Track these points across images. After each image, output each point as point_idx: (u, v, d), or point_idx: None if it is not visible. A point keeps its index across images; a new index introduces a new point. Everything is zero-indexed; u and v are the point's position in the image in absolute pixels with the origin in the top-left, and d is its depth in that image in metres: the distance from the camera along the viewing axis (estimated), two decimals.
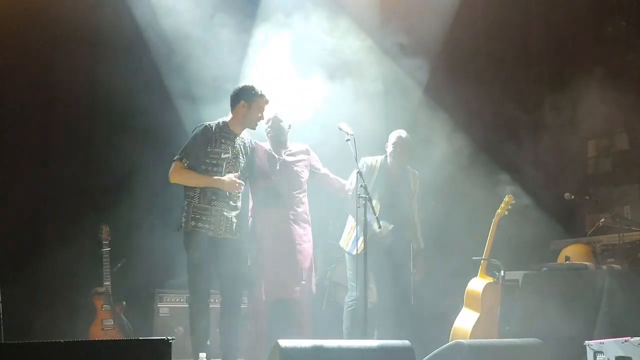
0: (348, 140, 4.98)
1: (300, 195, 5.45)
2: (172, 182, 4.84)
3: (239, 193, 4.92)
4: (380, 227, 4.80)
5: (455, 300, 5.65)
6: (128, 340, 4.45)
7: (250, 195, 5.32)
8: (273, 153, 5.37)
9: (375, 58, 6.23)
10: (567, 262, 5.55)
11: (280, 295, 5.31)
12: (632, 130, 7.35)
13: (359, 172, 4.86)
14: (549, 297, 5.04)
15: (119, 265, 5.93)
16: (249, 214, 5.35)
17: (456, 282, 5.80)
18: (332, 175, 5.64)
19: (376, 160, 5.63)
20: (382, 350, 3.94)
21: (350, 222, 5.56)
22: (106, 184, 6.14)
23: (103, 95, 6.19)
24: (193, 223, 4.75)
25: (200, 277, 4.79)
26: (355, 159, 4.95)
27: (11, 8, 5.82)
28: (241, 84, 5.02)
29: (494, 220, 5.53)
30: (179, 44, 5.87)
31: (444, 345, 4.36)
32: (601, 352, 3.98)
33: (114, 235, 5.87)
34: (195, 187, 4.79)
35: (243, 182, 4.83)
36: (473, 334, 5.23)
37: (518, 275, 5.56)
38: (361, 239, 4.90)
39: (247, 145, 5.11)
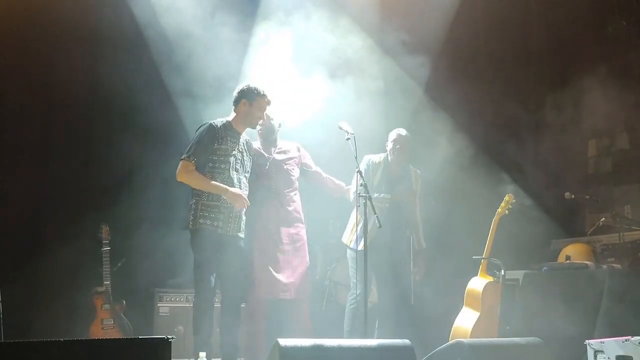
0: (348, 139, 4.99)
1: (292, 194, 5.46)
2: (178, 180, 4.82)
3: (247, 191, 4.95)
4: (380, 225, 4.80)
5: (456, 300, 5.65)
6: (128, 339, 4.44)
7: None
8: (262, 152, 5.37)
9: (376, 57, 6.24)
10: (568, 261, 5.55)
11: (275, 294, 5.30)
12: (633, 129, 7.35)
13: (359, 172, 4.88)
14: (549, 297, 5.03)
15: (119, 264, 5.94)
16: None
17: (456, 282, 5.80)
18: (324, 175, 5.66)
19: (380, 157, 5.66)
20: (382, 350, 3.94)
21: (353, 218, 5.55)
22: (106, 183, 6.15)
23: (103, 95, 6.20)
24: (202, 220, 4.75)
25: (208, 276, 4.79)
26: (356, 158, 4.96)
27: (11, 8, 5.82)
28: (244, 84, 5.03)
29: (494, 219, 5.53)
30: (179, 43, 5.88)
31: (444, 345, 4.36)
32: (601, 352, 3.98)
33: (114, 234, 5.87)
34: None
35: (249, 202, 4.82)
36: (473, 333, 5.22)
37: (518, 274, 5.57)
38: (364, 233, 4.91)
39: (249, 144, 5.13)
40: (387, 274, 5.59)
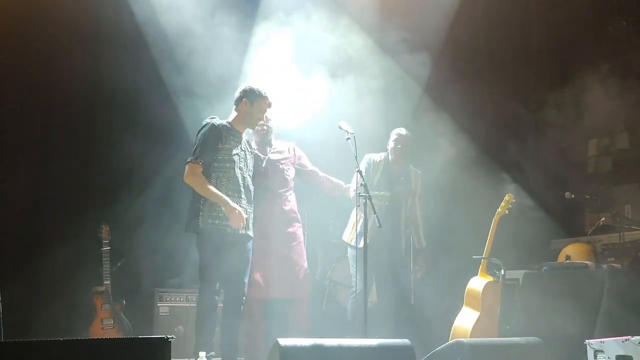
0: (348, 139, 5.00)
1: (287, 194, 5.47)
2: (186, 182, 4.80)
3: (252, 188, 4.98)
4: (380, 225, 4.80)
5: (456, 299, 5.65)
6: (128, 338, 4.44)
7: None
8: (258, 152, 5.38)
9: (376, 57, 6.24)
10: (568, 261, 5.55)
11: (273, 294, 5.31)
12: (633, 129, 7.35)
13: (359, 171, 4.89)
14: (549, 296, 5.03)
15: (119, 264, 5.94)
16: None
17: (456, 281, 5.80)
18: (321, 174, 5.68)
19: (380, 156, 5.69)
20: (382, 349, 3.93)
21: (354, 216, 5.55)
22: (106, 183, 6.15)
23: (103, 95, 6.20)
24: (210, 221, 4.74)
25: (213, 277, 4.80)
26: (356, 157, 4.96)
27: (11, 7, 5.82)
28: (247, 84, 5.04)
29: (494, 219, 5.53)
30: (179, 42, 5.88)
31: (444, 344, 4.36)
32: (601, 351, 3.97)
33: (114, 234, 5.87)
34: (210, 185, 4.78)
35: (245, 223, 4.79)
36: (473, 333, 5.22)
37: (518, 274, 5.57)
38: (364, 231, 4.92)
39: (250, 143, 5.15)
40: (387, 273, 5.60)
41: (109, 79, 6.01)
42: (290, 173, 5.51)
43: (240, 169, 4.91)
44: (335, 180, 5.71)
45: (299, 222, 5.54)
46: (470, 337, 5.15)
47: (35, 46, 6.00)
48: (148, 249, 5.93)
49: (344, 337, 4.31)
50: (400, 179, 5.69)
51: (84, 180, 6.15)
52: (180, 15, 5.81)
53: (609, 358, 3.92)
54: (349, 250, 5.62)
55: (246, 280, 4.93)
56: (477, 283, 5.43)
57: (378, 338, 4.11)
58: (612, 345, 3.93)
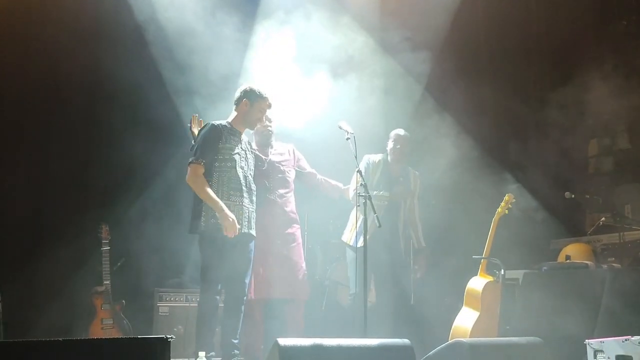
0: (348, 139, 5.00)
1: (288, 195, 5.49)
2: (188, 182, 4.80)
3: (254, 189, 4.98)
4: (380, 225, 4.80)
5: (455, 299, 5.65)
6: (127, 338, 4.43)
7: None
8: (259, 153, 5.39)
9: (376, 56, 6.24)
10: (568, 261, 5.55)
11: (272, 295, 5.32)
12: (633, 129, 7.35)
13: (359, 171, 4.89)
14: (549, 296, 5.03)
15: (119, 264, 5.93)
16: None
17: (456, 281, 5.80)
18: (319, 176, 5.70)
19: (379, 157, 5.70)
20: (382, 349, 3.93)
21: (353, 216, 5.57)
22: (106, 182, 6.14)
23: (103, 94, 6.20)
24: (213, 220, 4.73)
25: (216, 277, 4.80)
26: (355, 157, 4.96)
27: (11, 6, 5.82)
28: (247, 84, 5.05)
29: (494, 219, 5.53)
30: (179, 41, 5.87)
31: (444, 344, 4.35)
32: (601, 351, 3.97)
33: (114, 234, 5.87)
34: (211, 186, 4.77)
35: (237, 233, 4.74)
36: (473, 333, 5.22)
37: (518, 274, 5.58)
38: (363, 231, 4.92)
39: (250, 144, 5.16)
40: (387, 273, 5.61)
41: (110, 79, 6.00)
42: (291, 175, 5.53)
43: (242, 168, 4.92)
44: (333, 182, 5.73)
45: (298, 223, 5.56)
46: (470, 337, 5.14)
47: (35, 46, 6.00)
48: (148, 249, 5.92)
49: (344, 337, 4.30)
50: (399, 179, 5.70)
51: (84, 180, 6.14)
52: (181, 14, 5.81)
53: (609, 358, 3.92)
54: (348, 251, 5.63)
55: (247, 281, 4.93)
56: (477, 283, 5.43)
57: (378, 338, 4.10)
58: (612, 345, 3.93)
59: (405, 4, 6.55)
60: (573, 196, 6.02)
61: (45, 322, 5.56)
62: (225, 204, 4.77)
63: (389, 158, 5.70)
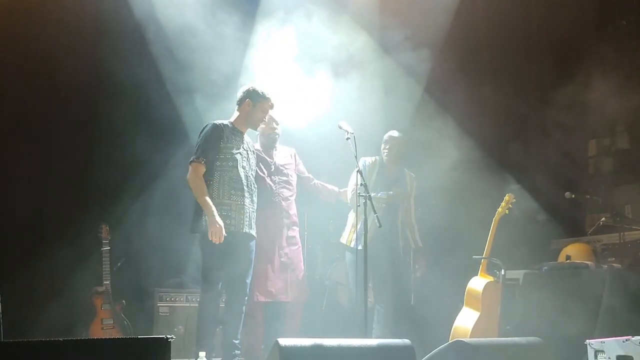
0: (348, 138, 5.00)
1: (292, 198, 5.53)
2: (187, 180, 4.81)
3: (255, 188, 4.99)
4: (380, 225, 4.80)
5: (456, 299, 5.65)
6: (128, 338, 4.43)
7: None
8: (264, 155, 5.40)
9: (376, 55, 6.24)
10: (568, 261, 5.55)
11: (275, 297, 5.35)
12: (633, 129, 7.35)
13: (359, 171, 4.88)
14: (549, 296, 5.02)
15: (119, 264, 5.93)
16: None
17: (457, 281, 5.80)
18: (315, 181, 5.74)
19: (374, 159, 5.71)
20: (382, 349, 3.93)
21: (352, 218, 5.59)
22: (106, 182, 6.13)
23: (104, 94, 6.19)
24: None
25: (217, 277, 4.80)
26: (355, 157, 4.97)
27: (11, 6, 5.81)
28: (250, 84, 5.05)
29: (495, 219, 5.53)
30: (179, 41, 5.87)
31: (445, 344, 4.35)
32: (602, 351, 3.97)
33: (114, 234, 5.86)
34: (212, 185, 4.80)
35: (222, 240, 4.71)
36: (473, 333, 5.22)
37: (518, 274, 5.57)
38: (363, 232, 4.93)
39: (252, 144, 5.17)
40: (387, 274, 5.61)
41: (110, 79, 6.00)
42: (294, 178, 5.57)
43: (243, 167, 4.93)
44: (330, 187, 5.78)
45: (298, 226, 5.61)
46: (470, 337, 5.14)
47: (35, 46, 5.98)
48: (148, 249, 5.92)
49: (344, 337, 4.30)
50: (395, 181, 5.72)
51: (84, 180, 6.13)
52: (181, 13, 5.81)
53: (609, 358, 3.92)
54: (347, 254, 5.64)
55: (248, 281, 4.94)
56: (478, 283, 5.43)
57: (378, 338, 4.10)
58: (613, 345, 3.92)
59: (405, 3, 6.55)
60: (573, 196, 6.02)
61: (45, 322, 5.55)
62: (226, 203, 4.78)
63: (383, 159, 5.72)
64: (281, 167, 5.49)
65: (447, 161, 5.98)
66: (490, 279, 5.43)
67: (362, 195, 4.80)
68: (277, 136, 5.48)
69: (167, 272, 6.14)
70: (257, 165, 5.30)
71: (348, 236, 5.65)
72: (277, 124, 5.46)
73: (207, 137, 4.85)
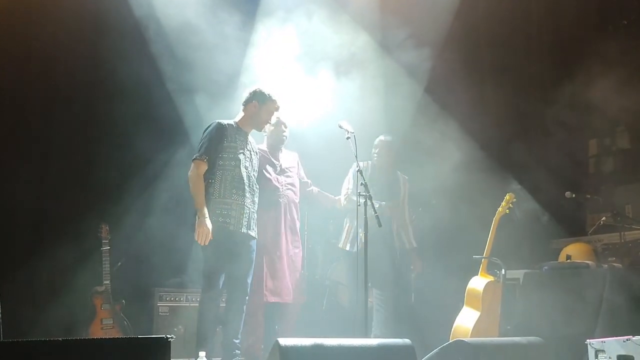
0: (348, 138, 5.00)
1: (297, 201, 5.57)
2: (188, 176, 4.82)
3: (257, 189, 5.00)
4: (381, 225, 4.80)
5: (456, 299, 5.64)
6: (128, 338, 4.42)
7: None
8: (270, 157, 5.42)
9: (377, 55, 6.24)
10: (568, 260, 5.54)
11: (278, 298, 5.38)
12: (634, 128, 7.34)
13: (359, 170, 4.88)
14: (550, 296, 5.02)
15: (119, 264, 5.92)
16: None
17: (457, 281, 5.79)
18: (313, 187, 5.78)
19: (365, 164, 5.77)
20: (382, 349, 3.92)
21: (347, 223, 5.65)
22: (106, 182, 6.13)
23: (104, 94, 6.18)
24: (214, 218, 4.75)
25: (217, 276, 4.81)
26: (356, 157, 4.96)
27: (11, 6, 5.80)
28: (257, 85, 5.06)
29: (495, 218, 5.53)
30: (180, 40, 5.87)
31: (445, 344, 4.35)
32: (603, 351, 3.96)
33: (114, 234, 5.86)
34: (214, 184, 4.81)
35: (207, 243, 4.70)
36: (474, 333, 5.22)
37: (519, 274, 5.57)
38: (361, 235, 4.93)
39: (255, 144, 5.17)
40: (387, 274, 5.62)
41: (110, 79, 6.00)
42: (297, 182, 5.62)
43: (246, 168, 4.94)
44: (325, 193, 5.83)
45: (298, 229, 5.66)
46: (470, 336, 5.14)
47: (36, 45, 5.98)
48: (148, 249, 5.91)
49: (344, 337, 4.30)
50: (387, 184, 5.78)
51: (84, 180, 6.13)
52: (181, 12, 5.80)
53: (610, 358, 3.91)
54: (346, 258, 5.68)
55: (249, 281, 4.94)
56: (478, 283, 5.42)
57: (379, 338, 4.10)
58: (614, 345, 3.92)
59: (405, 2, 6.54)
60: (574, 196, 6.02)
61: (45, 322, 5.55)
62: (227, 202, 4.79)
63: (375, 164, 5.77)
64: (286, 169, 5.53)
65: (448, 161, 5.98)
66: (490, 278, 5.42)
67: (364, 195, 4.80)
68: (285, 139, 5.52)
69: (167, 271, 6.13)
70: (264, 166, 5.35)
71: (343, 241, 5.72)
72: (286, 127, 5.51)
73: (211, 136, 4.86)
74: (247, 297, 4.92)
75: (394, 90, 6.33)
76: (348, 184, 5.71)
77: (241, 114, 5.05)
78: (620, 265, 5.61)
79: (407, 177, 5.95)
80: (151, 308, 5.94)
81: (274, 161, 5.47)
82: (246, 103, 5.03)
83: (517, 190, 5.82)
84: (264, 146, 5.47)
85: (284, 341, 3.73)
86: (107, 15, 5.94)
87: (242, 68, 5.86)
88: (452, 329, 5.39)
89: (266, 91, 5.00)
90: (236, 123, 5.00)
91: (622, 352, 3.86)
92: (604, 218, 6.11)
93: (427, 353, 4.34)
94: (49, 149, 6.13)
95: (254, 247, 5.00)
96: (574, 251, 5.85)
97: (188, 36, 5.81)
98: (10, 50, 5.85)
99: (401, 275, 5.75)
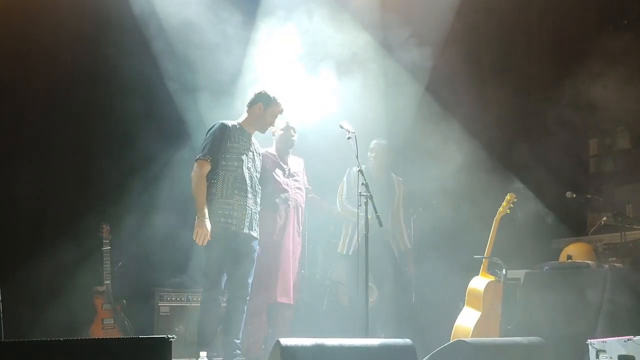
0: (349, 138, 5.00)
1: (303, 205, 5.62)
2: (191, 176, 4.83)
3: (259, 190, 5.01)
4: (381, 224, 4.80)
5: (457, 299, 5.64)
6: (128, 338, 4.42)
7: None
8: (280, 161, 5.46)
9: (378, 54, 6.24)
10: (569, 260, 5.54)
11: (290, 298, 5.43)
12: (634, 128, 7.34)
13: (360, 170, 4.88)
14: (550, 296, 5.02)
15: (120, 264, 5.92)
16: None
17: (458, 281, 5.79)
18: (312, 194, 5.83)
19: (361, 166, 5.74)
20: (383, 349, 3.92)
21: (345, 227, 5.78)
22: (107, 182, 6.13)
23: (105, 94, 6.18)
24: (215, 219, 4.76)
25: (218, 275, 4.81)
26: (357, 157, 4.96)
27: (11, 3, 5.80)
28: (262, 87, 5.07)
29: (496, 218, 5.53)
30: (180, 39, 5.87)
31: (446, 344, 4.35)
32: (603, 351, 3.95)
33: (115, 233, 5.85)
34: (216, 184, 4.81)
35: (204, 243, 4.70)
36: (475, 333, 5.21)
37: (520, 273, 5.58)
38: (356, 236, 4.95)
39: (258, 145, 5.18)
40: (387, 274, 5.64)
41: (111, 78, 6.00)
42: (303, 186, 5.67)
43: (248, 169, 4.94)
44: (323, 202, 5.92)
45: (301, 231, 5.73)
46: (471, 336, 5.13)
47: (35, 45, 5.97)
48: (149, 249, 5.91)
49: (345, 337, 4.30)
50: (383, 186, 5.79)
51: (85, 179, 6.13)
52: (181, 11, 5.80)
53: (611, 358, 3.90)
54: (346, 258, 5.70)
55: (250, 281, 4.94)
56: (479, 283, 5.42)
57: (379, 338, 4.10)
58: (614, 345, 3.91)
59: (406, 1, 6.54)
60: (574, 196, 6.02)
61: (45, 322, 5.55)
62: (229, 202, 4.79)
63: (370, 167, 5.80)
64: (294, 174, 5.61)
65: (448, 160, 5.98)
66: (491, 278, 5.42)
67: (364, 195, 4.80)
68: (293, 143, 5.57)
69: (168, 271, 6.13)
70: (273, 169, 5.42)
71: (343, 243, 5.81)
72: (295, 132, 5.56)
73: (214, 136, 4.87)
74: (248, 297, 4.92)
75: (395, 90, 6.34)
76: (342, 190, 5.77)
77: (245, 115, 5.06)
78: (621, 265, 5.60)
79: (401, 179, 5.96)
80: (152, 308, 5.94)
81: (283, 165, 5.51)
82: (251, 105, 5.03)
83: (519, 190, 5.82)
84: (272, 149, 5.53)
85: (285, 341, 3.73)
86: (108, 15, 5.94)
87: (242, 67, 5.86)
88: (453, 329, 5.39)
89: (271, 94, 5.01)
90: (239, 124, 5.01)
91: (623, 352, 3.85)
92: (604, 218, 6.11)
93: (428, 353, 4.33)
94: (49, 148, 6.13)
95: (256, 247, 5.00)
96: (575, 251, 5.85)
97: (188, 35, 5.80)
98: (10, 48, 5.85)
99: (401, 275, 5.76)
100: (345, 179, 5.80)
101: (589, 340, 4.08)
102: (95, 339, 4.61)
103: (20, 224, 5.88)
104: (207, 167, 4.79)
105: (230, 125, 4.93)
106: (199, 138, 5.05)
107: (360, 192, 4.84)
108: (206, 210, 4.71)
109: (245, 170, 4.91)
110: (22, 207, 5.88)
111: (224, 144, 4.85)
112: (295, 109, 5.50)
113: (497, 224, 5.52)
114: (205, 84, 5.77)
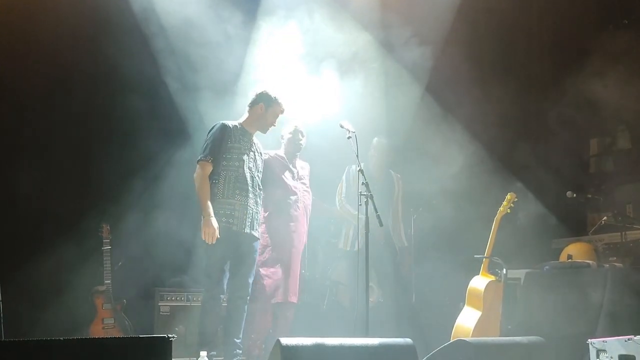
0: (349, 137, 5.00)
1: (309, 208, 5.66)
2: (194, 178, 4.85)
3: (261, 190, 5.02)
4: (382, 224, 4.80)
5: (457, 299, 5.64)
6: (129, 338, 4.41)
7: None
8: (289, 164, 5.47)
9: (378, 54, 6.24)
10: (569, 260, 5.54)
11: (287, 298, 5.43)
12: (634, 128, 7.34)
13: (360, 170, 4.88)
14: (551, 296, 5.02)
15: (120, 263, 5.92)
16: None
17: (458, 281, 5.79)
18: (313, 198, 5.82)
19: (360, 165, 5.75)
20: (384, 348, 3.91)
21: (345, 226, 5.78)
22: (107, 181, 6.13)
23: (105, 94, 6.18)
24: (217, 218, 4.75)
25: (220, 275, 4.81)
26: (357, 156, 4.96)
27: (11, 2, 5.80)
28: (264, 88, 5.07)
29: (496, 218, 5.53)
30: (180, 39, 5.87)
31: (447, 343, 4.34)
32: (604, 351, 3.95)
33: (115, 233, 5.85)
34: (217, 184, 4.83)
35: (214, 241, 4.71)
36: (475, 332, 5.21)
37: (520, 273, 5.57)
38: (362, 235, 4.94)
39: (260, 147, 5.18)
40: (387, 273, 5.64)
41: (111, 78, 5.99)
42: (309, 189, 5.69)
43: (250, 169, 4.95)
44: (324, 205, 5.96)
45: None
46: (472, 336, 5.13)
47: (36, 45, 5.97)
48: (149, 248, 5.91)
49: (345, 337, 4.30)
50: (382, 184, 5.80)
51: (85, 179, 6.13)
52: (182, 10, 5.80)
53: (611, 357, 3.90)
54: (346, 257, 5.70)
55: (251, 281, 4.95)
56: (479, 282, 5.42)
57: (380, 337, 4.09)
58: (615, 344, 3.91)
59: (406, 1, 6.54)
60: (575, 195, 6.02)
61: (45, 322, 5.55)
62: (230, 202, 4.80)
63: (370, 165, 5.80)
64: (302, 177, 5.64)
65: (449, 160, 5.98)
66: (491, 278, 5.42)
67: (364, 195, 4.80)
68: (301, 147, 5.59)
69: (168, 271, 6.13)
70: (283, 172, 5.45)
71: (343, 242, 5.83)
72: (303, 135, 5.58)
73: (215, 136, 4.88)
74: (248, 297, 4.93)
75: (396, 90, 6.34)
76: (341, 188, 5.77)
77: (246, 115, 5.06)
78: (621, 264, 5.61)
79: (400, 176, 5.96)
80: (152, 307, 5.94)
81: (292, 168, 5.53)
82: (252, 105, 5.04)
83: (520, 189, 5.82)
84: (281, 152, 5.56)
85: (285, 340, 3.73)
86: (108, 15, 5.94)
87: (243, 67, 5.86)
88: (453, 329, 5.39)
89: (272, 94, 5.02)
90: (240, 124, 5.01)
91: (624, 352, 3.85)
92: (605, 218, 6.12)
93: (428, 352, 4.33)
94: (49, 148, 6.12)
95: (257, 247, 5.01)
96: (575, 251, 5.85)
97: (189, 34, 5.80)
98: (10, 48, 5.85)
99: (401, 274, 5.76)
100: (344, 177, 5.81)
101: (589, 340, 4.08)
102: (95, 338, 4.59)
103: (20, 224, 5.88)
104: (209, 168, 4.81)
105: (230, 126, 4.93)
106: (200, 138, 5.05)
107: (360, 192, 4.84)
108: (211, 210, 4.71)
109: (247, 170, 4.91)
110: (22, 207, 5.87)
111: (224, 144, 4.86)
112: (296, 108, 5.50)
113: (498, 223, 5.52)
114: (205, 83, 5.77)
